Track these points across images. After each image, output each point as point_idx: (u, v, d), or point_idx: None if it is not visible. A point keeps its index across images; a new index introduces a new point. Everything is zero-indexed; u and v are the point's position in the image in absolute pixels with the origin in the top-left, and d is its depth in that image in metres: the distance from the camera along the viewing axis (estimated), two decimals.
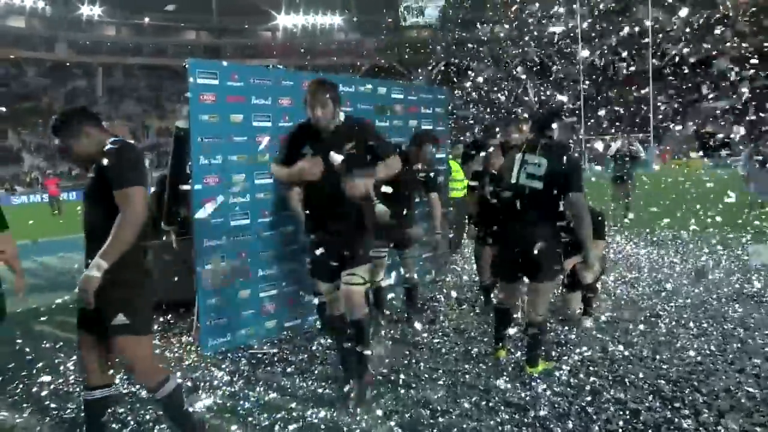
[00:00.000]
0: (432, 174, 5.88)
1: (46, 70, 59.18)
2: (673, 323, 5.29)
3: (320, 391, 4.12)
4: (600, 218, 5.49)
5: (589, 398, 3.79)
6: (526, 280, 4.29)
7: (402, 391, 4.04)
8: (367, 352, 4.15)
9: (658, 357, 4.47)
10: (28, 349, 5.33)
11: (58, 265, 10.81)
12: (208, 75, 4.95)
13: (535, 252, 4.00)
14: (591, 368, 4.31)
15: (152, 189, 7.11)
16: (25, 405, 4.10)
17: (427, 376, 4.30)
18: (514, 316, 4.78)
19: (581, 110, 44.92)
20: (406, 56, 59.88)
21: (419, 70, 60.18)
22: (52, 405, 4.07)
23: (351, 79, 6.54)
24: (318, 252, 3.94)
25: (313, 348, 5.09)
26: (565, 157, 4.06)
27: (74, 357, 5.01)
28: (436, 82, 53.05)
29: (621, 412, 3.57)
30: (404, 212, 5.49)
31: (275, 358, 4.88)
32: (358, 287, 3.90)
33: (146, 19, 63.10)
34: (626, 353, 4.57)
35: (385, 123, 6.37)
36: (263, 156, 5.26)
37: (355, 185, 3.64)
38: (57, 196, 25.02)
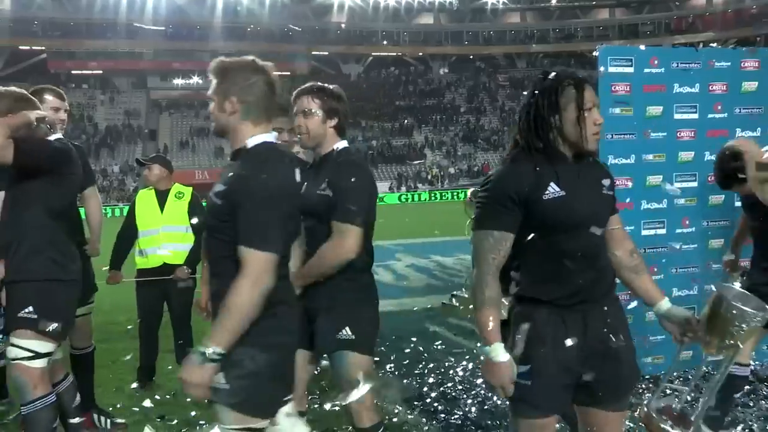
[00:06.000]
0: None
1: (451, 65, 66.40)
2: None
3: None
4: None
5: None
6: None
7: None
8: None
9: None
10: (421, 348, 6.18)
11: (455, 266, 12.39)
12: (621, 62, 5.01)
13: None
14: None
15: None
16: (416, 403, 4.76)
17: None
18: None
19: None
20: None
21: None
22: (440, 407, 4.65)
23: None
24: None
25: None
26: None
27: (464, 362, 5.63)
28: None
29: None
30: None
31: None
32: None
33: (553, 1, 65.66)
34: None
35: None
36: (687, 154, 5.15)
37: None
38: None
